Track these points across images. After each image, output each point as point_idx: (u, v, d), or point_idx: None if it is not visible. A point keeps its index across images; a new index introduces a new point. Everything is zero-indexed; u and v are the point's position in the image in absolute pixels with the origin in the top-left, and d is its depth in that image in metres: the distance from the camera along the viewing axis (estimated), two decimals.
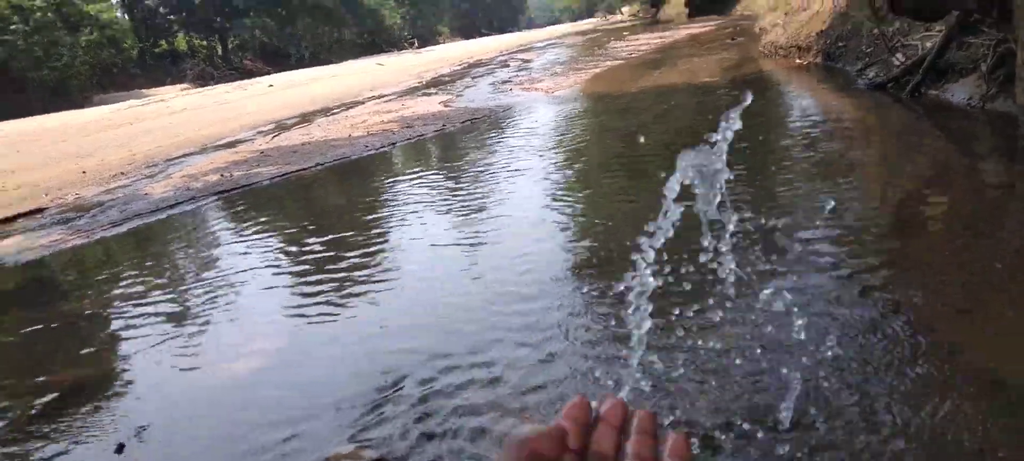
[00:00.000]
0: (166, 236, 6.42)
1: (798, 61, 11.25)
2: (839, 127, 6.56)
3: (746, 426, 2.23)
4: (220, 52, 42.42)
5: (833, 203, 3.03)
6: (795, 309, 2.93)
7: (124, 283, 5.05)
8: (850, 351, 2.58)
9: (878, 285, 3.12)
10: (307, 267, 4.81)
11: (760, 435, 2.19)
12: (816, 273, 3.30)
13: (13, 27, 31.56)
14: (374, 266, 4.55)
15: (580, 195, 5.57)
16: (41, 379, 3.66)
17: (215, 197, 7.47)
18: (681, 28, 26.76)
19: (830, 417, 2.22)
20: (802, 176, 5.02)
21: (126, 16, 42.35)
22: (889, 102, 7.19)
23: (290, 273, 4.77)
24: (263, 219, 6.33)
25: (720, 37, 19.09)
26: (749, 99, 1.50)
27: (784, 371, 2.50)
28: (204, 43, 42.70)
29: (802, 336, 2.70)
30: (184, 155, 10.93)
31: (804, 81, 9.68)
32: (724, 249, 2.00)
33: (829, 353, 2.57)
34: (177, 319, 4.22)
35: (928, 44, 7.33)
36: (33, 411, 3.31)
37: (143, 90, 35.13)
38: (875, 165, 5.33)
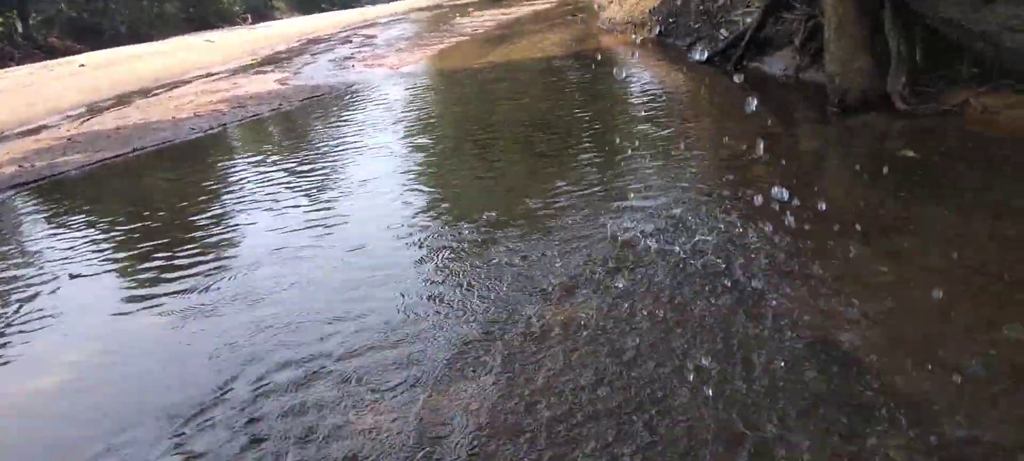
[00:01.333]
0: None
1: (634, 36, 11.71)
2: (669, 100, 6.88)
3: None
4: (20, 29, 37.39)
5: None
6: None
7: None
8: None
9: (704, 246, 3.26)
10: (123, 265, 4.31)
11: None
12: (645, 225, 3.40)
13: None
14: (200, 258, 4.16)
15: (427, 174, 5.43)
16: None
17: (12, 191, 6.54)
18: (524, 4, 27.11)
19: None
20: (640, 146, 5.20)
21: None
22: (715, 74, 7.64)
23: (104, 272, 4.25)
24: (71, 214, 5.61)
25: (562, 14, 19.53)
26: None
27: None
28: (1, 20, 37.45)
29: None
30: None
31: (640, 56, 10.09)
32: None
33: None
34: None
35: (748, 20, 7.85)
36: None
37: None
38: (704, 134, 5.63)
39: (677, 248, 3.21)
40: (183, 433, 2.39)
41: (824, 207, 3.32)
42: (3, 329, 3.60)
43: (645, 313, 2.68)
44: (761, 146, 4.50)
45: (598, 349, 2.49)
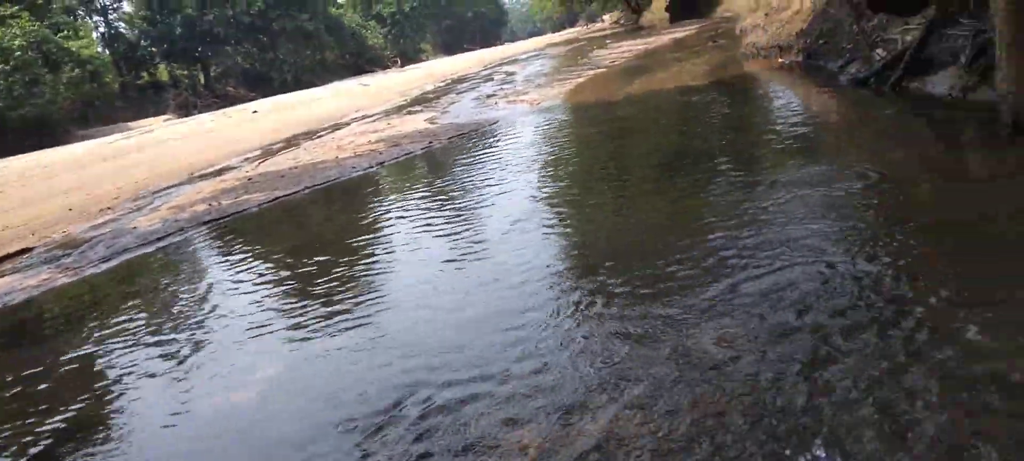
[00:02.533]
0: (155, 270, 6.37)
1: (780, 61, 11.33)
2: (823, 124, 6.61)
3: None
4: (202, 80, 42.35)
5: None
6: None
7: (116, 320, 5.00)
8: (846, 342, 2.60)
9: (867, 275, 3.13)
10: (301, 292, 4.78)
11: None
12: (803, 265, 3.31)
13: None
14: (368, 287, 4.53)
15: (569, 208, 5.58)
16: (35, 424, 3.60)
17: (203, 227, 7.43)
18: (663, 33, 26.95)
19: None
20: (790, 174, 5.04)
21: (106, 51, 42.20)
22: (871, 97, 7.25)
23: (284, 299, 4.74)
24: (253, 247, 6.30)
25: (702, 41, 19.24)
26: None
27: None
28: (186, 73, 42.62)
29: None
30: (170, 186, 10.87)
31: (787, 80, 9.76)
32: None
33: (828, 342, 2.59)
34: (172, 354, 4.18)
35: (908, 38, 7.40)
36: (28, 455, 3.26)
37: (127, 123, 34.98)
38: (862, 160, 5.36)
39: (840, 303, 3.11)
40: (364, 445, 2.65)
41: (998, 236, 3.09)
42: (203, 349, 4.12)
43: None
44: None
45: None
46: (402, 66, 41.03)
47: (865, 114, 6.84)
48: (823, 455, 2.06)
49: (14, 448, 3.38)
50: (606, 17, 59.66)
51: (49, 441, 3.37)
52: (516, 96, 13.99)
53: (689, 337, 2.90)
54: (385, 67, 42.37)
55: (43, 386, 4.14)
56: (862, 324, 2.72)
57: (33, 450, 3.30)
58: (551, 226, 5.00)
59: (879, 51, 8.00)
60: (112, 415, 3.56)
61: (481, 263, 4.45)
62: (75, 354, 4.49)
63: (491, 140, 9.39)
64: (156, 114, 36.87)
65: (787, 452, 2.11)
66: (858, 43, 8.68)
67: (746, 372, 2.56)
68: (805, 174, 4.97)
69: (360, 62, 44.03)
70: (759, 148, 6.25)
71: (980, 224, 3.57)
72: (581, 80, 15.15)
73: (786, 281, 3.24)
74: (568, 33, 60.65)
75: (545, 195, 5.97)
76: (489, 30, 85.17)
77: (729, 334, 2.85)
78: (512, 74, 20.83)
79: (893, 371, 2.38)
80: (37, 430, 3.50)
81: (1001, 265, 3.04)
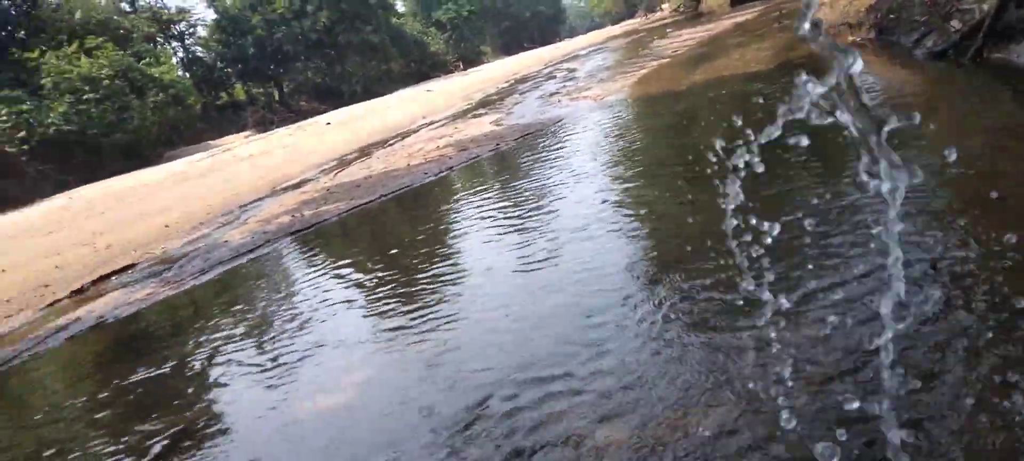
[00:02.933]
0: (249, 280, 6.77)
1: (851, 38, 10.98)
2: (905, 100, 6.41)
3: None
4: (277, 97, 44.13)
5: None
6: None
7: (216, 329, 5.37)
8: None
9: (964, 262, 3.08)
10: (382, 297, 5.01)
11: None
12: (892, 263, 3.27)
13: (86, 97, 33.63)
14: (446, 291, 4.72)
15: (640, 204, 5.62)
16: (150, 428, 3.94)
17: (289, 238, 7.82)
18: (724, 18, 26.38)
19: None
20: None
21: (186, 74, 44.53)
22: (951, 69, 6.98)
23: (367, 305, 4.98)
24: (336, 255, 6.61)
25: (766, 23, 18.76)
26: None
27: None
28: (261, 91, 44.50)
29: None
30: (255, 200, 11.45)
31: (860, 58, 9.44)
32: None
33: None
34: (269, 358, 4.48)
35: (985, 6, 7.09)
36: (144, 458, 3.57)
37: (210, 142, 36.79)
38: (944, 136, 5.20)
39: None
40: (453, 443, 2.81)
41: None
42: (297, 354, 4.40)
43: None
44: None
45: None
46: (464, 70, 41.57)
47: (946, 88, 6.60)
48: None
49: (131, 449, 3.72)
50: (665, 6, 58.68)
51: (164, 441, 3.69)
52: (579, 92, 14.03)
53: (764, 332, 2.94)
54: (448, 72, 43.05)
55: (154, 392, 4.51)
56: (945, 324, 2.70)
57: (148, 451, 3.62)
58: (623, 224, 5.06)
59: (954, 22, 7.68)
60: (215, 419, 3.86)
61: (554, 265, 4.57)
62: (181, 362, 4.86)
63: (557, 139, 9.49)
64: (237, 132, 38.65)
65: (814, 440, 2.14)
66: (931, 15, 8.35)
67: (843, 382, 2.58)
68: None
69: (423, 68, 44.91)
70: (836, 133, 6.11)
71: None
72: (644, 72, 15.05)
73: (875, 279, 3.22)
74: (627, 25, 59.96)
75: (614, 192, 6.03)
76: (547, 27, 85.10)
77: (813, 334, 2.88)
78: (573, 70, 20.83)
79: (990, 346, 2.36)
80: (150, 432, 3.83)
81: None
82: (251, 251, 7.64)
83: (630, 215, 5.28)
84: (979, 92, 6.20)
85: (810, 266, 3.39)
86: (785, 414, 2.34)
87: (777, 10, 21.55)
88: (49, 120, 32.04)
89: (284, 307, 5.48)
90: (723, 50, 15.51)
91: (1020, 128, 4.74)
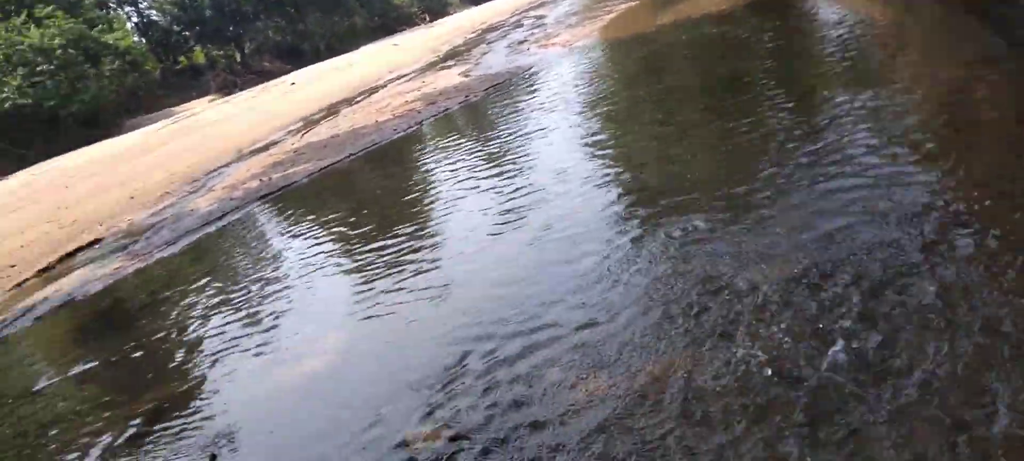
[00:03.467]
0: (219, 248, 6.64)
1: None
2: (875, 34, 6.36)
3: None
4: (238, 59, 42.86)
5: None
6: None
7: (189, 299, 5.26)
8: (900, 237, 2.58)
9: (934, 185, 3.07)
10: (356, 259, 4.93)
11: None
12: (873, 181, 3.26)
13: (40, 69, 32.38)
14: (422, 247, 4.65)
15: (614, 150, 5.54)
16: (127, 403, 3.87)
17: (258, 203, 7.66)
18: None
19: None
20: (842, 92, 4.91)
21: (142, 40, 42.97)
22: (925, 3, 6.93)
23: (342, 266, 4.90)
24: (307, 217, 6.49)
25: None
26: None
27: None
28: (221, 53, 43.16)
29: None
30: (222, 166, 11.18)
31: None
32: None
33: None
34: (246, 326, 4.40)
35: None
36: (125, 436, 3.50)
37: (172, 108, 35.79)
38: (917, 67, 5.18)
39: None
40: (434, 399, 2.78)
41: None
42: (274, 320, 4.32)
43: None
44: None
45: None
46: (431, 21, 40.68)
47: (914, 18, 6.55)
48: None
49: (110, 425, 3.65)
50: None
51: (142, 417, 3.62)
52: (548, 40, 13.79)
53: (744, 274, 2.92)
54: (414, 25, 42.11)
55: (129, 368, 4.42)
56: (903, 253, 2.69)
57: (127, 427, 3.55)
58: (598, 170, 4.99)
59: None
60: (194, 391, 3.79)
61: (531, 215, 4.50)
62: (154, 336, 4.76)
63: (527, 87, 9.34)
64: (199, 96, 37.59)
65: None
66: None
67: (810, 313, 2.57)
68: (856, 87, 4.81)
69: (389, 22, 43.83)
70: (808, 63, 6.07)
71: None
72: (612, 16, 14.82)
73: (840, 203, 3.20)
74: None
75: (588, 138, 5.94)
76: None
77: (783, 268, 2.86)
78: (542, 17, 20.47)
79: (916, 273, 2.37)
80: (128, 408, 3.76)
81: None
82: (220, 218, 7.48)
83: (604, 161, 5.21)
84: (947, 21, 6.16)
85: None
86: (768, 371, 2.33)
87: None
88: (3, 95, 30.90)
89: (257, 274, 5.38)
90: None
91: (988, 59, 4.72)
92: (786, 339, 2.38)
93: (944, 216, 2.81)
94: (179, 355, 4.35)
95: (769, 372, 2.26)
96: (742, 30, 8.71)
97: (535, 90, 9.00)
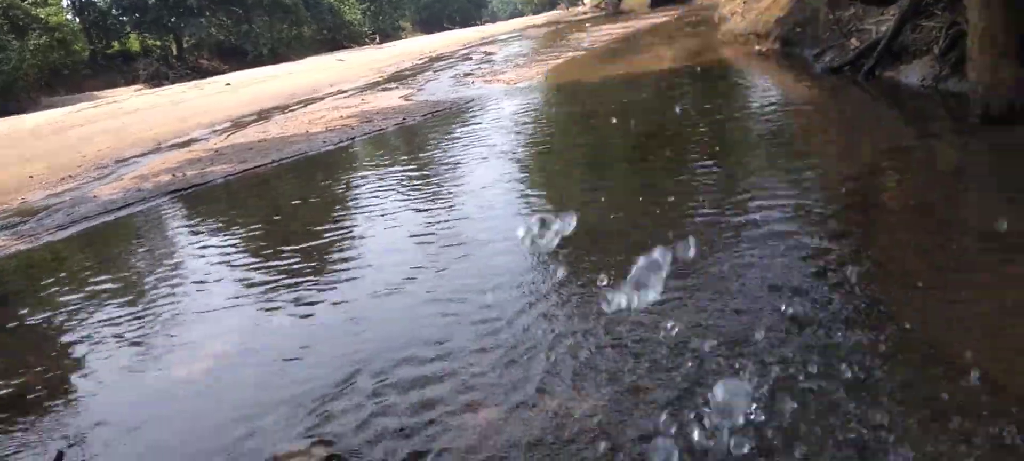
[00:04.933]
0: (115, 238, 6.20)
1: (757, 48, 11.34)
2: (797, 110, 6.61)
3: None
4: (175, 51, 41.40)
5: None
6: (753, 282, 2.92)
7: (71, 287, 4.85)
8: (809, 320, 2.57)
9: (835, 263, 3.12)
10: (260, 266, 4.66)
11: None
12: (777, 256, 3.29)
13: None
14: (329, 262, 4.44)
15: (540, 189, 5.51)
16: None
17: (167, 197, 7.24)
18: (643, 18, 26.91)
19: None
20: (763, 159, 5.04)
21: (76, 18, 41.05)
22: (845, 85, 7.27)
23: (242, 273, 4.61)
24: (216, 219, 6.15)
25: (681, 26, 19.22)
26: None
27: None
28: (158, 43, 41.58)
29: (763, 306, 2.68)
30: (136, 156, 10.61)
31: (762, 67, 9.76)
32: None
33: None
34: (125, 323, 4.05)
35: (882, 28, 7.42)
36: None
37: (95, 92, 34.11)
38: (832, 147, 5.37)
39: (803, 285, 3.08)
40: (314, 420, 2.57)
41: (960, 224, 3.09)
42: (157, 320, 4.00)
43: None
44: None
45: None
46: (380, 43, 40.52)
47: (838, 102, 6.85)
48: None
49: None
50: (586, 1, 59.42)
51: None
52: (493, 75, 13.85)
53: (649, 322, 2.86)
54: (363, 44, 41.79)
55: None
56: (817, 302, 2.70)
57: None
58: (522, 206, 4.93)
59: (854, 40, 8.02)
60: (56, 383, 3.43)
61: (446, 242, 4.37)
62: (25, 322, 4.34)
63: (466, 118, 9.28)
64: (127, 84, 36.03)
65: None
66: (834, 32, 8.70)
67: (713, 361, 2.52)
68: (775, 161, 4.97)
69: (338, 38, 43.31)
70: (732, 133, 6.24)
71: (946, 208, 3.59)
72: (559, 62, 15.05)
73: (757, 264, 3.21)
74: (549, 15, 60.36)
75: (518, 175, 5.89)
76: (469, 10, 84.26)
77: (692, 319, 2.82)
78: (491, 53, 20.64)
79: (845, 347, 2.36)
80: None
81: (963, 246, 3.06)
82: (121, 208, 7.02)
83: (530, 198, 5.15)
84: (867, 106, 6.47)
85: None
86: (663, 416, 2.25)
87: (693, 15, 22.15)
88: None
89: (148, 270, 5.02)
90: (638, 48, 15.74)
91: (898, 148, 4.94)
92: (670, 386, 2.31)
93: (832, 284, 2.84)
94: (46, 345, 3.96)
95: (663, 416, 2.17)
96: (682, 90, 8.94)
97: (473, 123, 8.94)
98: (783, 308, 2.72)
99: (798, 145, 5.40)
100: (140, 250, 5.61)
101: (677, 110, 6.98)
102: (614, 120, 7.65)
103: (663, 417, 2.18)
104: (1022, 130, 4.48)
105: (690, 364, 2.46)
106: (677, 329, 2.69)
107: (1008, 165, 4.23)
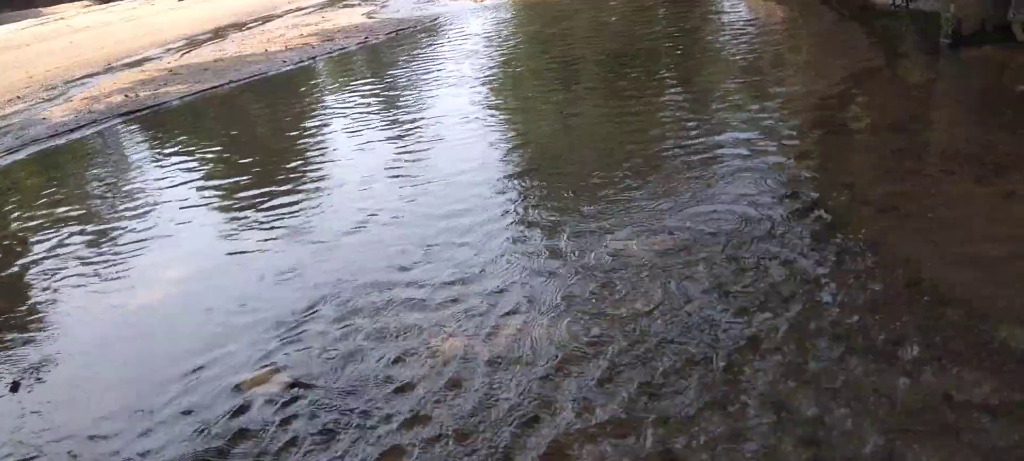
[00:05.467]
0: (68, 161, 5.97)
1: None
2: (768, 29, 6.52)
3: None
4: None
5: None
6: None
7: (20, 213, 4.67)
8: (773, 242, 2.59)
9: (803, 180, 3.13)
10: (220, 191, 4.54)
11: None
12: (744, 171, 3.28)
13: None
14: (293, 186, 4.32)
15: (512, 111, 5.40)
16: None
17: (120, 119, 6.96)
18: None
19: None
20: (732, 79, 4.99)
21: None
22: (816, 5, 7.17)
23: (201, 197, 4.49)
24: (173, 141, 5.93)
25: None
26: None
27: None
28: None
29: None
30: (87, 76, 10.12)
31: None
32: None
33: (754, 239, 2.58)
34: (80, 249, 3.93)
35: None
36: None
37: (42, 8, 32.31)
38: (802, 67, 5.34)
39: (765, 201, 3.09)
40: (277, 347, 2.53)
41: (931, 145, 3.11)
42: (114, 246, 3.88)
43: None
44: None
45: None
46: None
47: (808, 21, 6.78)
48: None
49: None
50: None
51: None
52: None
53: (611, 243, 2.85)
54: None
55: None
56: (777, 228, 2.72)
57: None
58: (488, 129, 4.84)
59: None
60: (13, 315, 3.34)
61: (412, 167, 4.29)
62: None
63: (432, 37, 9.01)
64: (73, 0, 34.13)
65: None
66: None
67: (668, 283, 2.53)
68: (743, 81, 4.93)
69: None
70: (702, 53, 6.16)
71: (906, 127, 3.62)
72: None
73: (717, 183, 3.21)
74: None
75: (484, 97, 5.77)
76: None
77: (652, 239, 2.82)
78: None
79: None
80: None
81: (922, 166, 3.09)
82: (73, 130, 6.73)
83: (501, 121, 5.07)
84: (836, 26, 6.41)
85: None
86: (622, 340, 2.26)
87: None
88: None
89: (102, 195, 4.85)
90: None
91: (867, 69, 4.91)
92: (645, 301, 2.32)
93: (798, 205, 2.85)
94: None
95: (624, 341, 2.18)
96: (652, 11, 8.75)
97: (440, 41, 8.69)
98: (746, 225, 2.74)
99: (767, 65, 5.35)
100: (94, 174, 5.41)
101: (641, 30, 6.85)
102: (579, 40, 7.49)
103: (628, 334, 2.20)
104: (991, 50, 4.48)
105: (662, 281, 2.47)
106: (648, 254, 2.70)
107: (977, 86, 4.26)
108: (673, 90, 4.95)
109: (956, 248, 2.43)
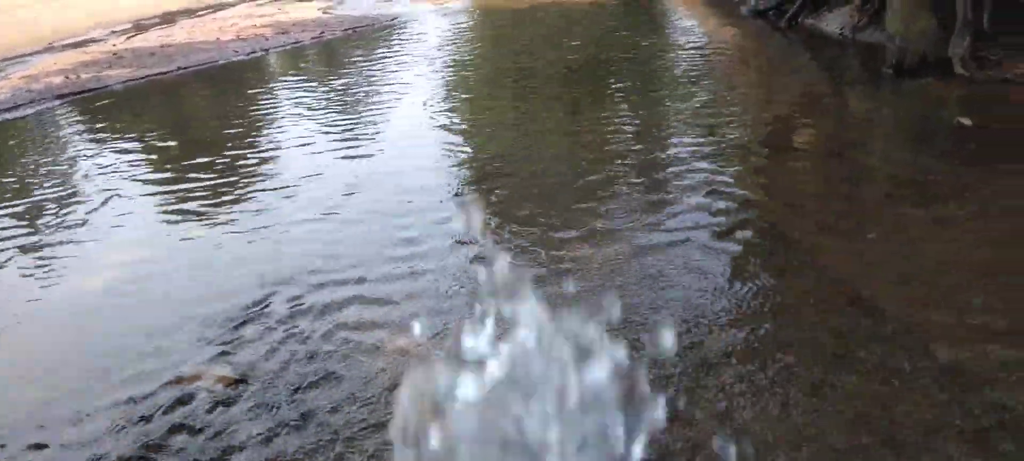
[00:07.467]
0: (2, 142, 5.69)
1: None
2: (719, 52, 6.69)
3: None
4: None
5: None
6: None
7: None
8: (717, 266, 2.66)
9: (748, 200, 3.22)
10: (164, 179, 4.41)
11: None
12: (689, 189, 3.36)
13: None
14: (241, 177, 4.23)
15: (467, 115, 5.40)
16: None
17: (58, 101, 6.67)
18: None
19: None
20: (683, 99, 5.10)
21: None
22: (768, 30, 7.39)
23: (144, 185, 4.35)
24: (113, 127, 5.74)
25: None
26: None
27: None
28: None
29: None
30: (26, 54, 9.68)
31: (689, 6, 9.79)
32: None
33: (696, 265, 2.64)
34: (20, 232, 3.75)
35: None
36: None
37: None
38: (751, 90, 5.49)
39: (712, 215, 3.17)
40: (222, 341, 2.46)
41: (872, 170, 3.24)
42: (51, 234, 3.71)
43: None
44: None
45: None
46: None
47: (759, 46, 6.99)
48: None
49: None
50: None
51: None
52: None
53: (565, 251, 2.89)
54: None
55: None
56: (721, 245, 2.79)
57: None
58: (439, 132, 4.82)
59: None
60: None
61: (362, 165, 4.25)
62: None
63: (389, 38, 8.94)
64: None
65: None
66: None
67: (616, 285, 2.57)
68: (694, 98, 5.04)
69: None
70: (656, 69, 6.28)
71: (848, 153, 3.77)
72: None
73: (666, 199, 3.28)
74: None
75: (438, 101, 5.74)
76: None
77: (598, 252, 2.86)
78: None
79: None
80: None
81: (862, 190, 3.22)
82: (9, 110, 6.43)
83: (454, 124, 5.06)
84: (786, 51, 6.63)
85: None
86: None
87: None
88: None
89: (39, 179, 4.65)
90: None
91: (813, 95, 5.09)
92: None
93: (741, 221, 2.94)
94: None
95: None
96: (609, 23, 8.89)
97: (397, 41, 8.63)
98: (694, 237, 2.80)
99: (718, 87, 5.49)
100: (32, 156, 5.18)
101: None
102: (537, 51, 7.55)
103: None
104: (931, 83, 4.69)
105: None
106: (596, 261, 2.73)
107: (917, 116, 4.46)
108: (624, 106, 5.05)
109: (895, 267, 2.54)
